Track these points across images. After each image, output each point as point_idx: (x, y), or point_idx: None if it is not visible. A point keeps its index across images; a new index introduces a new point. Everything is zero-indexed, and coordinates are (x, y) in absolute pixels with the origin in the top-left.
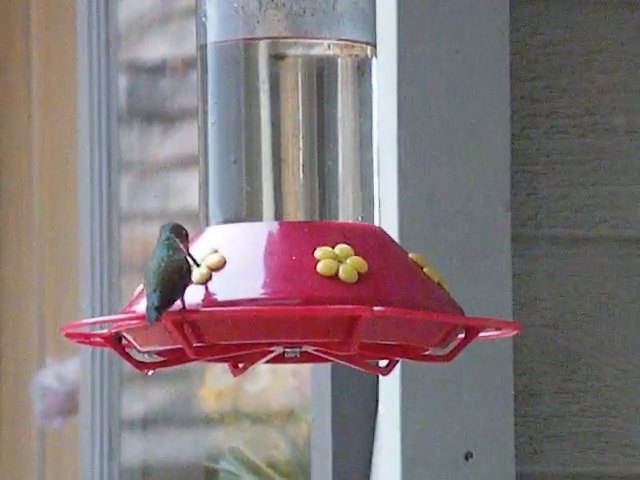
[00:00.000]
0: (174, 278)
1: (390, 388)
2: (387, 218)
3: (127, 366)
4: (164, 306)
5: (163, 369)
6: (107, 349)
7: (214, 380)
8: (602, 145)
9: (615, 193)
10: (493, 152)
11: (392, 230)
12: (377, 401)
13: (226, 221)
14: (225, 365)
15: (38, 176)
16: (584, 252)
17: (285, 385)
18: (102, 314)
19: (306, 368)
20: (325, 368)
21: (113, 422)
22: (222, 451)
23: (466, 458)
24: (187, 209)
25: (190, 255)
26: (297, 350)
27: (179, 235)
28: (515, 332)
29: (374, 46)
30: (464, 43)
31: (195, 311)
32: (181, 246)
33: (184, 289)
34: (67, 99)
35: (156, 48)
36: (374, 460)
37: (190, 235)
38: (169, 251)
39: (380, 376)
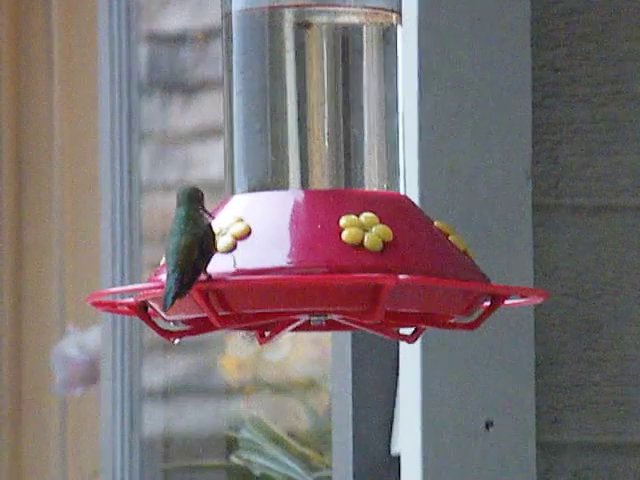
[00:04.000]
0: (193, 256)
1: (411, 357)
2: (408, 187)
3: (148, 336)
4: (182, 291)
5: (185, 338)
6: (128, 318)
7: (235, 350)
8: (623, 113)
9: (637, 162)
10: (514, 121)
11: (413, 199)
12: (397, 370)
13: (251, 189)
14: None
15: (59, 146)
16: (605, 221)
17: (306, 355)
18: (122, 284)
19: (327, 337)
20: (346, 337)
21: (134, 391)
22: (243, 421)
23: (487, 427)
24: (207, 180)
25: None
26: (322, 318)
27: (198, 200)
28: (541, 299)
29: (399, 13)
30: (485, 11)
31: (220, 280)
32: (202, 213)
33: (209, 259)
34: (88, 70)
35: (177, 18)
36: (394, 429)
37: (214, 204)
38: (188, 225)
39: (401, 345)
